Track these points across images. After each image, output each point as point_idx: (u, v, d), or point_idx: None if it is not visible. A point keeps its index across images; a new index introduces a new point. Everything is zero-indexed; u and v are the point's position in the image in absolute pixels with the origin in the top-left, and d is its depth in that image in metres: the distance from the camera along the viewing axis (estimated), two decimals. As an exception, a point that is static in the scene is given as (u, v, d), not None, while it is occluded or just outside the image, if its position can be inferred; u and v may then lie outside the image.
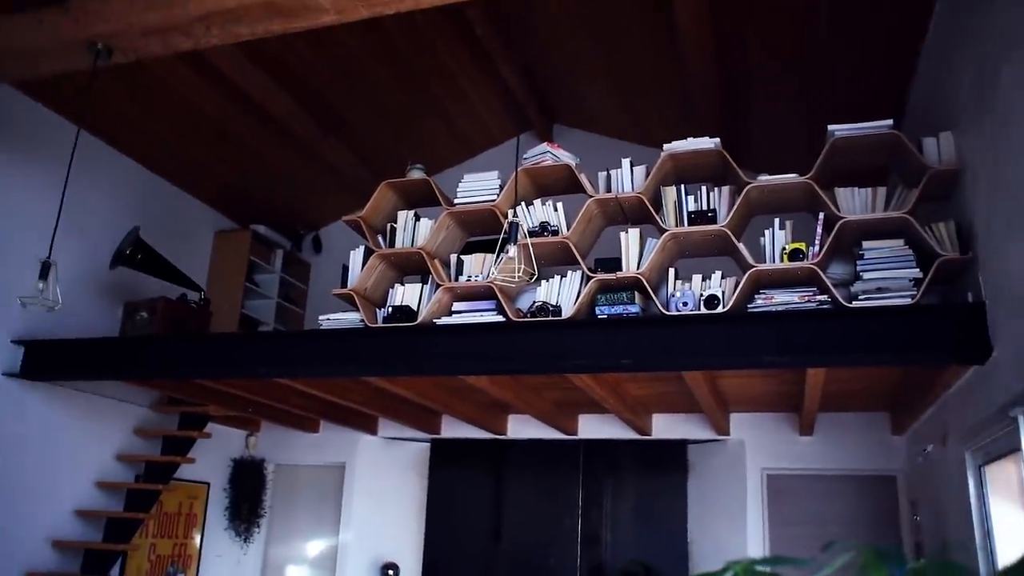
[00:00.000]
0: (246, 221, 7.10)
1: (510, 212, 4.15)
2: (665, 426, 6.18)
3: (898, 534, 5.52)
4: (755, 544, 5.76)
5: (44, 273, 3.69)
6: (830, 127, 3.88)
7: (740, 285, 3.82)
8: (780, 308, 3.74)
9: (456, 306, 4.41)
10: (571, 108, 6.83)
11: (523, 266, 3.33)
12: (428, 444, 7.00)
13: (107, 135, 5.81)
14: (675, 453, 6.39)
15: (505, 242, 3.18)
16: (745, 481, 5.87)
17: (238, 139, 6.26)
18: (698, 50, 4.88)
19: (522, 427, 6.48)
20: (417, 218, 4.64)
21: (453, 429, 6.63)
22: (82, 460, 5.53)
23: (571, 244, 4.17)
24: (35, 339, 5.11)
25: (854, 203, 3.84)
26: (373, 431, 6.76)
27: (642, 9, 5.12)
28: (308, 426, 6.83)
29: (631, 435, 6.22)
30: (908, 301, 3.55)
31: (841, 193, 3.85)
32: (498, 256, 3.44)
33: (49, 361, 5.07)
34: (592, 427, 6.34)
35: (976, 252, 3.49)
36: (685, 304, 3.88)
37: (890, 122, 3.82)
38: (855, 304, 3.61)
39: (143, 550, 5.91)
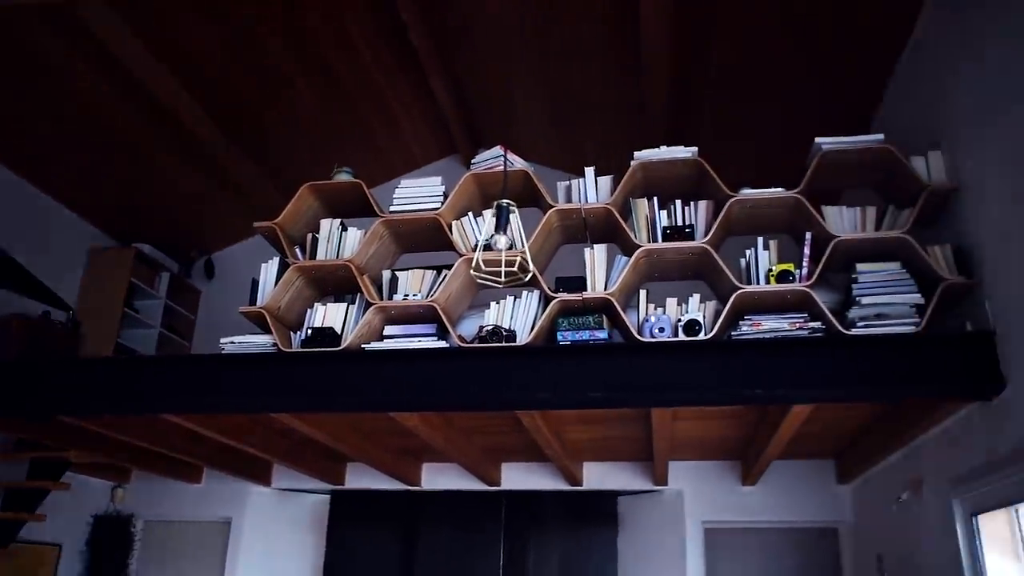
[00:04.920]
0: (128, 239, 6.19)
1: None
2: (597, 476, 5.66)
3: (843, 591, 5.18)
4: (694, 604, 5.29)
5: None
6: (818, 140, 3.56)
7: (726, 309, 3.38)
8: (769, 335, 3.32)
9: (389, 329, 3.78)
10: (500, 132, 6.35)
11: (518, 258, 2.73)
12: (328, 497, 6.19)
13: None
14: (604, 506, 5.87)
15: (497, 227, 2.61)
16: (684, 535, 5.39)
17: (125, 142, 5.43)
18: (658, 69, 4.55)
19: (437, 477, 5.81)
20: (344, 228, 4.00)
21: (359, 479, 5.88)
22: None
23: (529, 259, 3.63)
24: None
25: (843, 223, 3.51)
26: (266, 481, 5.91)
27: (595, 29, 4.75)
28: (189, 475, 5.91)
29: (557, 486, 5.67)
30: (912, 329, 3.20)
31: (829, 211, 3.52)
32: (482, 247, 2.82)
33: None
34: (516, 477, 5.75)
35: (982, 276, 3.19)
36: (661, 330, 3.41)
37: (881, 136, 3.54)
38: (854, 332, 3.23)
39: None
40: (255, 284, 3.94)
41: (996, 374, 3.04)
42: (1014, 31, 2.93)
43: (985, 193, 3.17)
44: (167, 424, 4.17)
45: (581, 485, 5.61)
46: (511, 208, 2.70)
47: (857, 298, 3.31)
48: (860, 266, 3.39)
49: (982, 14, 3.19)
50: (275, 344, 3.75)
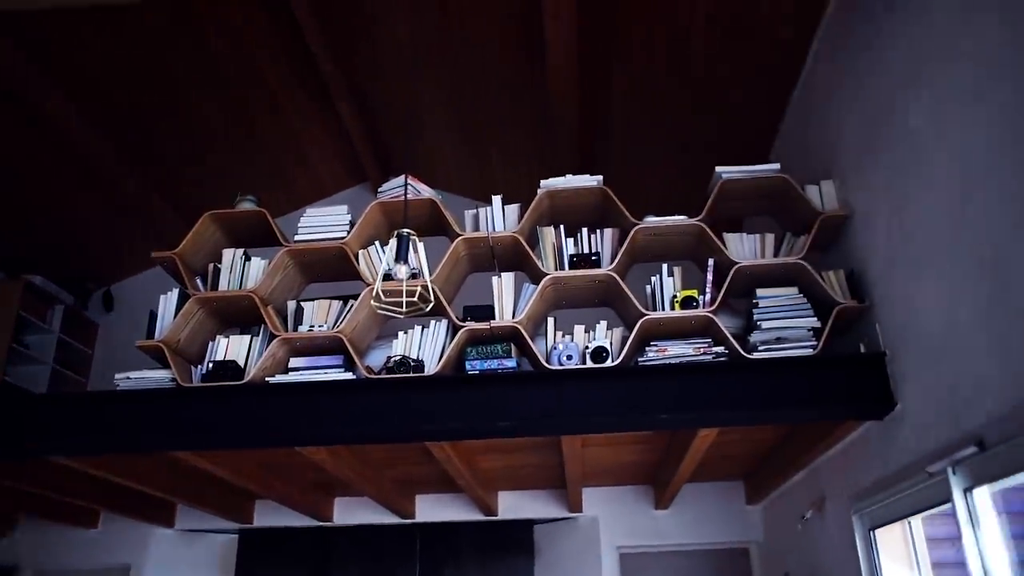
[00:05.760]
0: (18, 269, 5.87)
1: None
2: (511, 505, 5.62)
3: (756, 610, 5.27)
4: (612, 631, 5.29)
5: None
6: (718, 169, 3.66)
7: (632, 336, 3.42)
8: (675, 361, 3.37)
9: (294, 362, 3.67)
10: (410, 160, 6.32)
11: (419, 288, 2.70)
12: (236, 536, 5.96)
13: None
14: (520, 535, 5.82)
15: (399, 257, 2.57)
16: (600, 562, 5.40)
17: (11, 166, 5.17)
18: (564, 99, 4.62)
19: (350, 511, 5.67)
20: (247, 258, 3.89)
21: (268, 516, 5.68)
22: None
23: (436, 289, 3.60)
24: None
25: (743, 249, 3.61)
26: (169, 523, 5.64)
27: (504, 56, 4.79)
28: (84, 520, 5.59)
29: (472, 516, 5.60)
30: (809, 352, 3.31)
31: (730, 239, 3.61)
32: (383, 277, 2.78)
33: None
34: (430, 509, 5.65)
35: (873, 300, 3.33)
36: (569, 358, 3.42)
37: (777, 166, 3.67)
38: (755, 356, 3.32)
39: None
40: (153, 316, 3.79)
41: (887, 394, 3.16)
42: (891, 70, 3.08)
43: (873, 220, 3.31)
44: (57, 466, 3.95)
45: (496, 515, 5.56)
46: (412, 237, 2.67)
47: (758, 322, 3.40)
48: (760, 291, 3.48)
49: (863, 53, 3.35)
50: (174, 379, 3.60)
